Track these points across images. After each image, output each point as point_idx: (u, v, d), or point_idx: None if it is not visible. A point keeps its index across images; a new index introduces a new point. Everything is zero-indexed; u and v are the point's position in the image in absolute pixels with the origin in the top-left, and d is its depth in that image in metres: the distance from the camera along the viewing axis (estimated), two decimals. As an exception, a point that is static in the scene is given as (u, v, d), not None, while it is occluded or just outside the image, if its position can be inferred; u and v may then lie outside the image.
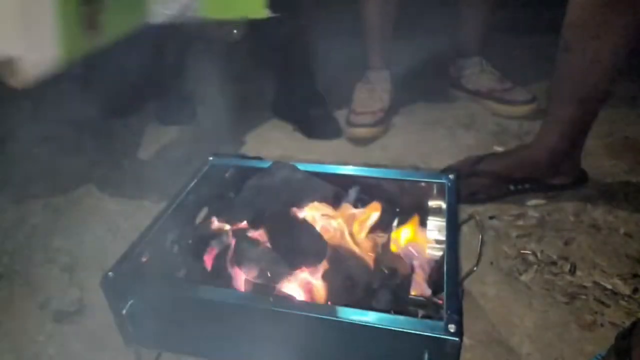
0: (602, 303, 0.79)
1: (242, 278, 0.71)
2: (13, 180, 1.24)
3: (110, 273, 0.67)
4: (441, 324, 0.55)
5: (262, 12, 0.85)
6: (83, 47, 0.78)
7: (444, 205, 0.80)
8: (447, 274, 0.62)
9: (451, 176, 0.82)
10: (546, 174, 1.03)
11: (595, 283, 0.83)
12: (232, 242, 0.74)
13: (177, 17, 0.88)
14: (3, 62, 0.67)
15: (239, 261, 0.70)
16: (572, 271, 0.86)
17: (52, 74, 0.75)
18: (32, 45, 0.69)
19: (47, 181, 1.22)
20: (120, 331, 0.71)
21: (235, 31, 0.88)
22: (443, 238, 0.73)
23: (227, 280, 0.72)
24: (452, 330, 0.54)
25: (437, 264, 0.73)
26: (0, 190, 1.20)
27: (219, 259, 0.74)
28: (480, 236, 0.70)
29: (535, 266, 0.88)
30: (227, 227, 0.78)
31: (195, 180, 0.86)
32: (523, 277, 0.86)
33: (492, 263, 0.90)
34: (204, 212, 0.89)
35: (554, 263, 0.89)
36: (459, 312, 0.56)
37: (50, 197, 1.16)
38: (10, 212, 1.12)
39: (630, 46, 0.85)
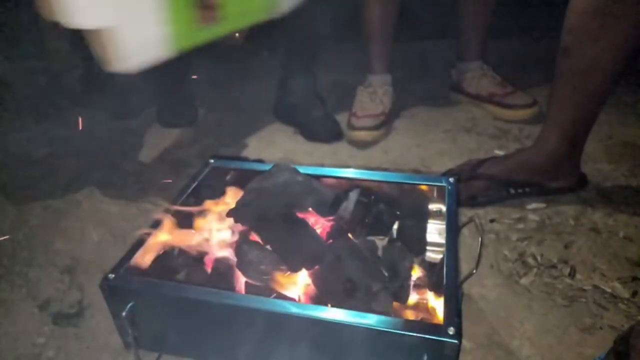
0: (602, 306, 0.79)
1: (242, 281, 0.71)
2: (14, 182, 1.24)
3: (110, 275, 0.67)
4: (440, 326, 0.55)
5: None
6: (196, 37, 0.73)
7: (444, 208, 0.80)
8: (447, 277, 0.62)
9: (451, 179, 0.82)
10: (546, 177, 1.04)
11: (595, 286, 0.83)
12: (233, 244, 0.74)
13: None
14: (96, 34, 0.63)
15: (239, 263, 0.70)
16: (572, 274, 0.86)
17: (158, 61, 0.71)
18: (131, 19, 0.65)
19: (48, 183, 1.23)
20: (120, 333, 0.71)
21: (237, 34, 0.88)
22: (443, 241, 0.73)
23: (228, 283, 0.72)
24: (451, 333, 0.54)
25: (437, 267, 0.73)
26: (1, 192, 1.20)
27: (220, 261, 0.74)
28: (480, 239, 0.70)
29: (535, 269, 0.88)
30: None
31: (196, 183, 0.87)
32: (523, 280, 0.86)
33: (492, 266, 0.90)
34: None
35: (553, 266, 0.89)
36: (458, 315, 0.56)
37: (51, 199, 1.16)
38: (10, 213, 1.12)
39: (629, 50, 0.86)
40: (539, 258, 0.91)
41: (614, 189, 1.09)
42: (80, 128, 1.43)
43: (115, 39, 0.65)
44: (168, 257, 0.78)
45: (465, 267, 0.86)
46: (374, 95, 1.36)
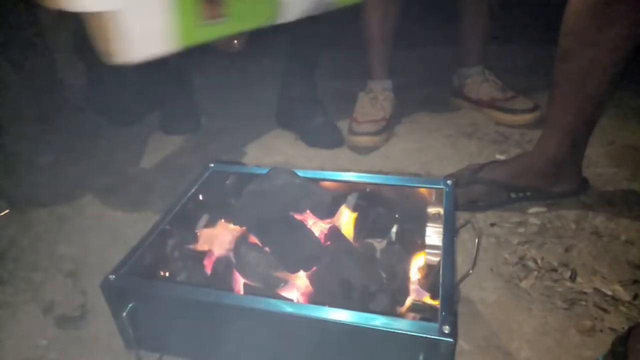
0: (602, 309, 0.79)
1: (241, 282, 0.71)
2: (19, 188, 1.26)
3: (110, 276, 0.68)
4: (436, 325, 0.56)
5: None
6: (202, 34, 0.72)
7: (442, 211, 0.80)
8: (443, 277, 0.62)
9: (449, 182, 0.82)
10: (547, 182, 1.03)
11: (596, 289, 0.83)
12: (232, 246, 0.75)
13: (313, 10, 0.84)
14: (100, 21, 0.61)
15: (238, 265, 0.71)
16: (573, 277, 0.86)
17: (163, 54, 0.69)
18: (137, 3, 0.63)
19: (52, 189, 1.24)
20: (121, 334, 0.72)
21: (235, 42, 0.89)
22: (440, 243, 0.73)
23: (227, 284, 0.72)
24: (446, 332, 0.55)
25: (435, 269, 0.74)
26: (7, 197, 1.22)
27: (219, 263, 0.74)
28: (477, 239, 0.71)
29: (536, 272, 0.88)
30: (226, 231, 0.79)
31: (196, 187, 0.88)
32: (523, 284, 0.86)
33: (492, 269, 0.90)
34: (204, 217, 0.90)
35: (554, 270, 0.88)
36: (454, 314, 0.57)
37: (55, 205, 1.17)
38: (16, 218, 1.14)
39: (628, 51, 0.85)
40: (539, 261, 0.91)
41: (616, 193, 1.08)
42: (84, 135, 1.45)
43: (119, 25, 0.63)
44: (168, 259, 0.79)
45: (463, 270, 0.86)
46: (374, 101, 1.37)
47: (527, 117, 1.37)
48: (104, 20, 0.63)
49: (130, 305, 0.66)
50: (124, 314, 0.66)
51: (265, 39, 1.12)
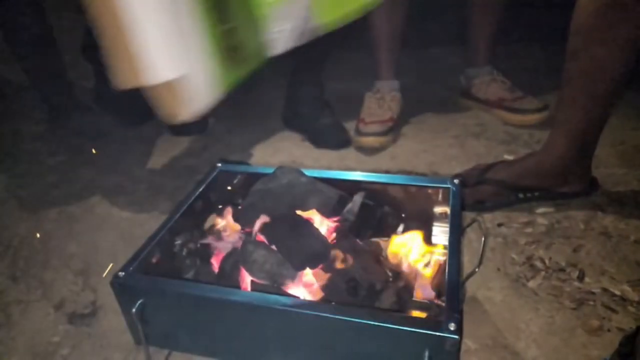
0: (610, 309, 0.79)
1: (248, 279, 0.72)
2: (30, 188, 1.28)
3: (120, 273, 0.69)
4: (441, 322, 0.56)
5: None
6: (232, 77, 0.81)
7: (449, 210, 0.81)
8: (449, 275, 0.62)
9: (456, 181, 0.82)
10: (555, 182, 1.03)
11: (604, 289, 0.83)
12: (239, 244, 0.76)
13: (297, 39, 0.90)
14: (163, 87, 0.69)
15: (245, 263, 0.72)
16: (581, 277, 0.86)
17: (211, 105, 0.77)
18: (191, 67, 0.71)
19: (62, 190, 1.26)
20: (131, 330, 0.73)
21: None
22: (447, 242, 0.74)
23: (234, 282, 0.73)
24: (451, 329, 0.55)
25: (441, 268, 0.74)
26: (18, 198, 1.24)
27: (226, 261, 0.75)
28: (483, 238, 0.71)
29: (543, 272, 0.88)
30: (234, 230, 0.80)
31: (204, 186, 0.89)
32: (530, 283, 0.86)
33: (499, 269, 0.89)
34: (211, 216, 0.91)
35: (562, 269, 0.88)
36: (459, 311, 0.57)
37: (65, 205, 1.19)
38: (27, 218, 1.16)
39: (637, 51, 0.85)
40: (547, 261, 0.90)
41: (626, 194, 1.07)
42: (94, 136, 1.47)
43: (182, 89, 0.71)
44: (176, 257, 0.79)
45: (470, 269, 0.86)
46: (381, 102, 1.37)
47: (536, 117, 1.36)
48: (170, 87, 0.70)
49: (139, 301, 0.67)
50: (134, 310, 0.67)
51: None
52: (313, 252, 0.70)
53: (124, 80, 0.70)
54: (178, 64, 0.70)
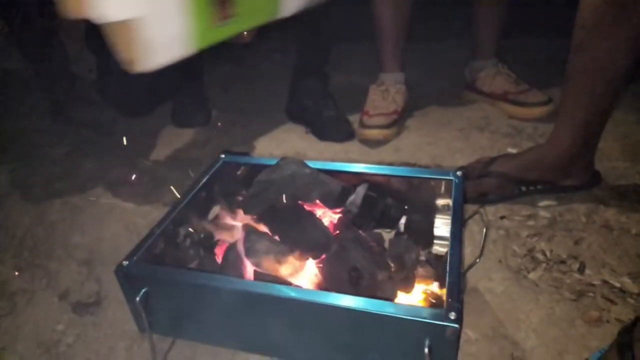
0: (610, 300, 0.79)
1: (251, 269, 0.73)
2: (35, 180, 1.29)
3: (124, 262, 0.70)
4: (442, 311, 0.56)
5: None
6: (215, 35, 0.74)
7: (451, 202, 0.81)
8: (450, 264, 0.63)
9: (458, 172, 0.83)
10: (558, 175, 1.03)
11: (604, 281, 0.83)
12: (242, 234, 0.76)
13: (310, 2, 0.86)
14: (121, 29, 0.62)
15: (248, 253, 0.72)
16: (581, 270, 0.86)
17: (179, 59, 0.70)
18: (158, 10, 0.63)
19: (66, 181, 1.27)
20: (135, 318, 0.74)
21: (245, 33, 0.90)
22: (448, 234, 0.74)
23: (237, 272, 0.74)
24: (452, 318, 0.55)
25: (443, 259, 0.74)
26: (23, 189, 1.25)
27: (230, 250, 0.76)
28: (484, 229, 0.71)
29: (544, 264, 0.88)
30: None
31: (207, 176, 0.89)
32: (531, 275, 0.86)
33: (500, 261, 0.90)
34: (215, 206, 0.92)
35: (563, 262, 0.88)
36: (460, 301, 0.57)
37: (69, 196, 1.20)
38: (31, 209, 1.17)
39: None
40: (548, 254, 0.91)
41: (629, 187, 1.07)
42: (97, 127, 1.47)
43: (141, 33, 0.64)
44: (180, 246, 0.80)
45: (471, 261, 0.86)
46: (386, 94, 1.37)
47: (541, 111, 1.35)
48: (126, 28, 0.64)
49: (143, 290, 0.68)
50: (137, 299, 0.67)
51: (277, 34, 1.13)
52: (316, 242, 0.71)
53: (66, 6, 0.63)
54: (136, 2, 0.62)
